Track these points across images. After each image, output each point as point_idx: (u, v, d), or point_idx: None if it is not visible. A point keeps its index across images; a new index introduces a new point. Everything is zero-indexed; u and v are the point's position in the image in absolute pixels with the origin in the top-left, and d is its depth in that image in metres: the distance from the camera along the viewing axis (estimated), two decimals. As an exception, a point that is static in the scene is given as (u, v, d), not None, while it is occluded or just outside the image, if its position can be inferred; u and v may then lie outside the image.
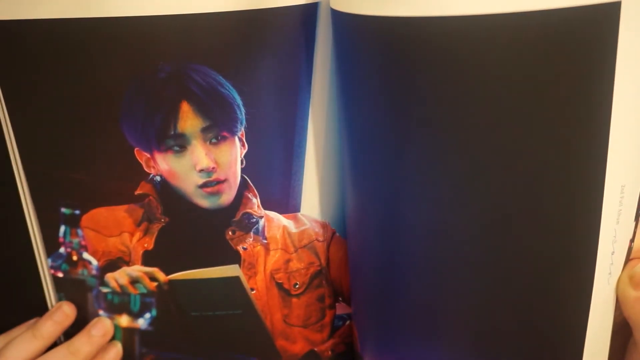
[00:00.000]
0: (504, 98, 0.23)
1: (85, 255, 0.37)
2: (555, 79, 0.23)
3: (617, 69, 0.22)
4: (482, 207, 0.26)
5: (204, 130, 0.33)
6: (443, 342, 0.29)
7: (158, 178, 0.35)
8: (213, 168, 0.34)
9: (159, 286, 0.37)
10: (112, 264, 0.37)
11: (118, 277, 0.37)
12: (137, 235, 0.36)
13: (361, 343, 0.36)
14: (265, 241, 0.36)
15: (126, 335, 0.38)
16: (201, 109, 0.32)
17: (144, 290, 0.37)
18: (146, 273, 0.37)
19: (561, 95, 0.23)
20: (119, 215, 0.36)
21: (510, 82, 0.23)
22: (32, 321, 0.38)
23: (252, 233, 0.36)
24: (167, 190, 0.35)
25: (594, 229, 0.25)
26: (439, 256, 0.27)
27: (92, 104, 0.33)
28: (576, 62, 0.22)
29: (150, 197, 0.35)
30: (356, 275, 0.35)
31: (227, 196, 0.35)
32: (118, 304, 0.38)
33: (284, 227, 0.36)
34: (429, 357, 0.30)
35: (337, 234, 0.37)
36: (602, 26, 0.22)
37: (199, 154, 0.34)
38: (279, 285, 0.37)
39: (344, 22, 0.27)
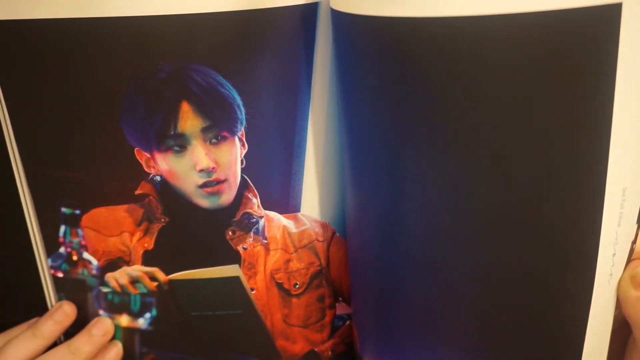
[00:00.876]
0: (504, 99, 0.23)
1: (86, 255, 0.37)
2: (556, 80, 0.23)
3: (618, 70, 0.22)
4: (482, 207, 0.26)
5: (204, 130, 0.33)
6: (443, 342, 0.29)
7: (158, 178, 0.35)
8: (213, 168, 0.34)
9: (159, 286, 0.37)
10: (112, 264, 0.37)
11: (118, 277, 0.37)
12: (137, 235, 0.36)
13: (361, 343, 0.36)
14: (265, 241, 0.36)
15: (126, 335, 0.38)
16: (201, 109, 0.32)
17: (144, 290, 0.37)
18: (146, 273, 0.37)
19: (562, 97, 0.23)
20: (119, 215, 0.36)
21: (510, 83, 0.23)
22: (32, 321, 0.38)
23: (252, 233, 0.36)
24: (167, 190, 0.35)
25: (594, 232, 0.25)
26: (439, 256, 0.27)
27: (92, 104, 0.33)
28: (577, 63, 0.22)
29: (150, 197, 0.35)
30: (356, 275, 0.35)
31: (227, 196, 0.35)
32: (118, 303, 0.38)
33: (284, 227, 0.36)
34: (429, 357, 0.30)
35: (337, 234, 0.37)
36: (604, 27, 0.22)
37: (199, 154, 0.33)
38: (279, 285, 0.37)
39: (343, 22, 0.27)
